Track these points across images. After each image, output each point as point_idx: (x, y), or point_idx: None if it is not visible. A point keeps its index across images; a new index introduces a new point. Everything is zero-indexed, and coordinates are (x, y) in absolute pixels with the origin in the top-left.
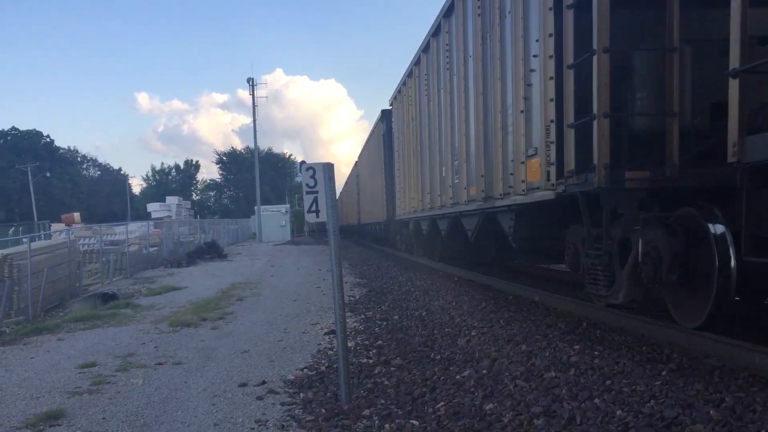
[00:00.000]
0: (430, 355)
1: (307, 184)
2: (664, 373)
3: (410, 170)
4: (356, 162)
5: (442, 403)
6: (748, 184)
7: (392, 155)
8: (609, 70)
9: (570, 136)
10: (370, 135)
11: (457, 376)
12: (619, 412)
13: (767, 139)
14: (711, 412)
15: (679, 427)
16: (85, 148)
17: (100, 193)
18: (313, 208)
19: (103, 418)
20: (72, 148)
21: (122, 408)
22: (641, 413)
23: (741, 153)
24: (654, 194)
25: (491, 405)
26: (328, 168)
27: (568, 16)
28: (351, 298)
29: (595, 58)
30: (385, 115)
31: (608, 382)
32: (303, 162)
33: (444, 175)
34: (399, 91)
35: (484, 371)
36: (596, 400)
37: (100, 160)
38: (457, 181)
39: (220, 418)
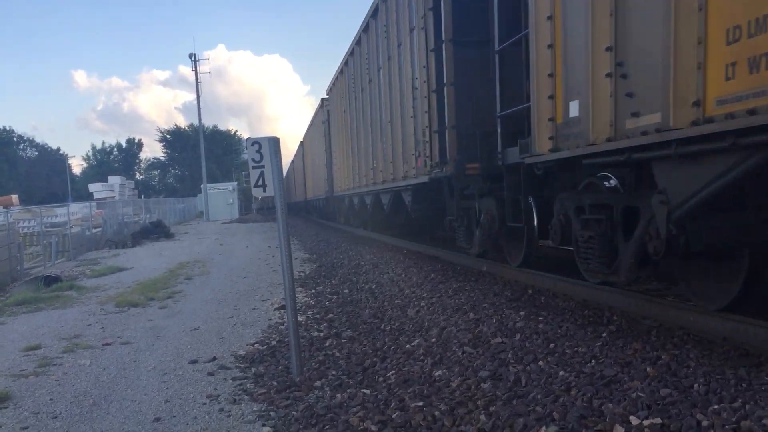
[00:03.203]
0: (380, 326)
1: (253, 159)
2: (604, 335)
3: (344, 154)
4: (301, 141)
5: (393, 372)
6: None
7: (331, 139)
8: (454, 97)
9: (435, 139)
10: (313, 118)
11: (407, 346)
12: (561, 373)
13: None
14: (648, 369)
15: (618, 384)
16: (22, 128)
17: (39, 174)
18: (260, 182)
19: (51, 399)
20: (7, 128)
21: (70, 389)
22: (583, 373)
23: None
24: (490, 176)
25: (440, 371)
26: (274, 142)
27: (431, 56)
28: (301, 274)
29: (445, 88)
30: (325, 102)
31: (552, 345)
32: (249, 138)
33: (367, 160)
34: (333, 83)
35: (433, 340)
36: (540, 363)
37: (38, 140)
38: (375, 165)
39: (171, 395)
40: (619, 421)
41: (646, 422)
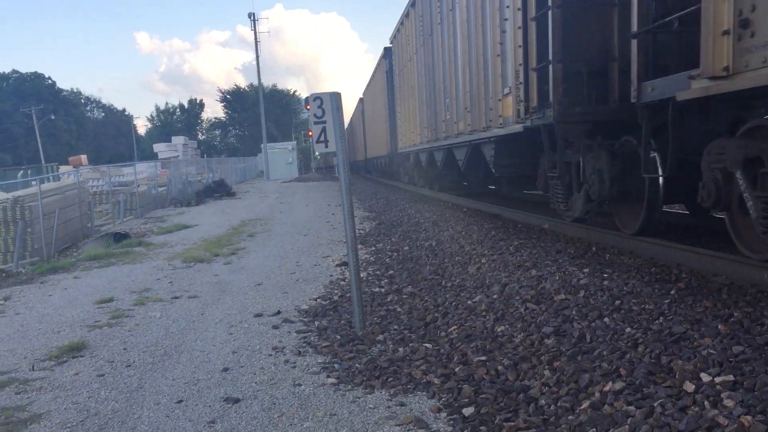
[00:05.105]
0: (441, 282)
1: (315, 115)
2: (672, 292)
3: (409, 107)
4: (360, 98)
5: (455, 327)
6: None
7: (394, 91)
8: (561, 23)
9: (533, 78)
10: (374, 72)
11: (469, 302)
12: (628, 330)
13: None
14: (719, 326)
15: (687, 341)
16: (88, 90)
17: (106, 134)
18: (322, 138)
19: (124, 349)
20: (75, 90)
21: (142, 339)
22: (650, 330)
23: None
24: (599, 125)
25: (503, 327)
26: (336, 97)
27: None
28: (361, 231)
29: (550, 12)
30: (388, 52)
31: (617, 302)
32: (308, 96)
33: (438, 111)
34: (398, 30)
35: (495, 296)
36: (606, 319)
37: (104, 101)
38: (448, 116)
39: (238, 346)
40: (689, 378)
41: (717, 379)
